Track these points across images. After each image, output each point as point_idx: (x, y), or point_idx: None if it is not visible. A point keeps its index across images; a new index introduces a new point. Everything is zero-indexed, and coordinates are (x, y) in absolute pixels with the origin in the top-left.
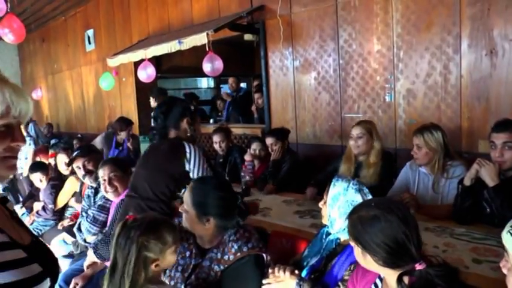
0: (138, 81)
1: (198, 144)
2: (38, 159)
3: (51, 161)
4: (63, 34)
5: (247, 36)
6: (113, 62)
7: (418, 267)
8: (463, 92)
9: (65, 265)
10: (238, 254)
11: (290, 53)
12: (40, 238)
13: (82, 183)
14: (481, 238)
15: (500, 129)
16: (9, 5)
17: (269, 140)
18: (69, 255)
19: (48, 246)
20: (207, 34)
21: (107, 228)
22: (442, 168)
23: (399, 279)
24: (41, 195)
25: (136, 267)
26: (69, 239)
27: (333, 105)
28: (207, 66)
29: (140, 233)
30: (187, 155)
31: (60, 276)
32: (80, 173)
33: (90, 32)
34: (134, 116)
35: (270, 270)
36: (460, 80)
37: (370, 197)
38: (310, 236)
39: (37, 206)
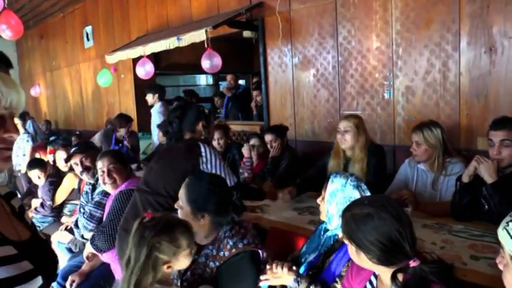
0: (136, 78)
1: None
2: (37, 155)
3: (50, 157)
4: (61, 31)
5: (246, 33)
6: (111, 58)
7: (412, 264)
8: (462, 90)
9: (63, 261)
10: (234, 250)
11: (289, 50)
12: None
13: (80, 180)
14: (479, 235)
15: (498, 127)
16: (6, 1)
17: (268, 137)
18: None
19: (49, 242)
20: (206, 31)
21: (102, 222)
22: (441, 166)
23: (393, 277)
24: (39, 192)
25: (145, 267)
26: (66, 238)
27: (331, 102)
28: (205, 63)
29: (154, 234)
30: (203, 155)
31: (58, 272)
32: (78, 169)
33: (88, 29)
34: (133, 113)
35: (267, 267)
36: (459, 78)
37: (368, 193)
38: (308, 233)
39: (35, 202)
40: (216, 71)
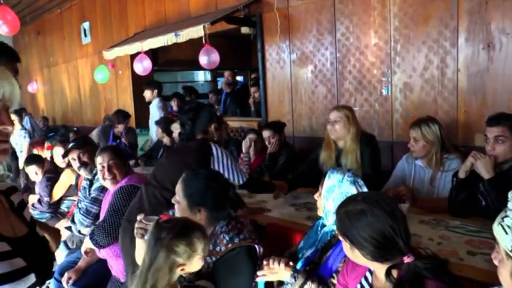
0: (134, 74)
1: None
2: (35, 151)
3: (48, 153)
4: (58, 27)
5: (244, 30)
6: (109, 54)
7: (407, 260)
8: (460, 86)
9: (60, 257)
10: (230, 245)
11: (287, 46)
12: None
13: (78, 176)
14: (475, 231)
15: (493, 123)
16: None
17: (266, 133)
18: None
19: (46, 239)
20: (204, 27)
21: (102, 218)
22: (439, 162)
23: (388, 273)
24: (37, 188)
25: (162, 270)
26: (63, 235)
27: (329, 98)
28: (203, 59)
29: (172, 237)
30: (214, 154)
31: (56, 268)
32: (75, 164)
33: (86, 25)
34: (130, 109)
35: (264, 262)
36: (457, 74)
37: (365, 189)
38: (306, 229)
39: (32, 198)
40: (213, 67)
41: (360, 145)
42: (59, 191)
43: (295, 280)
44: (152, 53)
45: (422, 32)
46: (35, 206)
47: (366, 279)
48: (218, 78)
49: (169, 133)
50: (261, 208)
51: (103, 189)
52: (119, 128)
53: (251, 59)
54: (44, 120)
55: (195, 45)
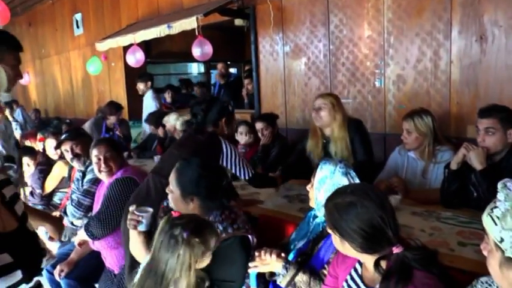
0: (127, 66)
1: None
2: (27, 143)
3: (40, 145)
4: (50, 18)
5: (238, 21)
6: (101, 46)
7: (395, 250)
8: (453, 78)
9: (53, 250)
10: (223, 235)
11: (280, 38)
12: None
13: (71, 168)
14: (466, 222)
15: (484, 115)
16: None
17: (259, 125)
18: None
19: (37, 234)
20: (197, 18)
21: (97, 209)
22: (431, 154)
23: (376, 264)
24: (29, 180)
25: (183, 269)
26: None
27: (322, 90)
28: (196, 51)
29: (189, 233)
30: (224, 151)
31: (46, 261)
32: (68, 156)
33: (78, 16)
34: (123, 101)
35: (256, 253)
36: (450, 66)
37: (357, 180)
38: (298, 220)
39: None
40: (206, 59)
41: (348, 132)
42: (51, 183)
43: (287, 271)
44: (145, 45)
45: (415, 24)
46: (28, 199)
47: (356, 270)
48: (211, 70)
49: (162, 126)
50: (253, 199)
51: (95, 182)
52: (111, 119)
53: (245, 51)
54: (36, 112)
55: (188, 37)
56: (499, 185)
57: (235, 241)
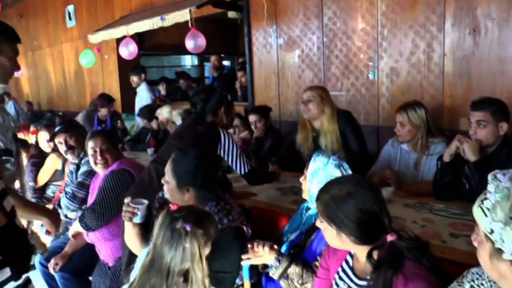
0: (120, 59)
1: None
2: (20, 135)
3: (33, 138)
4: (42, 10)
5: (231, 14)
6: (94, 38)
7: (390, 238)
8: (446, 71)
9: (46, 243)
10: (218, 226)
11: (274, 31)
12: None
13: (65, 160)
14: (458, 214)
15: (476, 107)
16: None
17: (252, 118)
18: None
19: (26, 230)
20: (190, 10)
21: (92, 201)
22: (424, 146)
23: (369, 254)
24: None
25: (195, 261)
26: None
27: (316, 82)
28: (189, 43)
29: (192, 225)
30: (222, 141)
31: (40, 254)
32: (62, 148)
33: (70, 8)
34: (117, 94)
35: (249, 246)
36: (443, 59)
37: (350, 172)
38: (291, 212)
39: (17, 183)
40: (200, 51)
41: (339, 124)
42: (44, 176)
43: (280, 263)
44: (138, 37)
45: (409, 16)
46: (20, 192)
47: (347, 262)
48: (205, 63)
49: (156, 118)
50: (246, 192)
51: (90, 174)
52: (102, 111)
53: (238, 44)
54: (28, 105)
55: (181, 29)
56: (489, 177)
57: (230, 232)
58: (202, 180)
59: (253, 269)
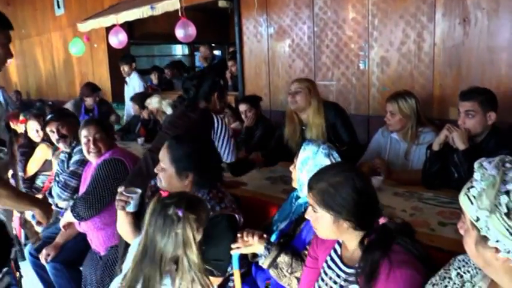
0: (110, 48)
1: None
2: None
3: (22, 127)
4: None
5: (222, 3)
6: (83, 27)
7: (382, 221)
8: (436, 60)
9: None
10: (211, 213)
11: (264, 20)
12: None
13: (56, 149)
14: (447, 202)
15: (464, 97)
16: None
17: (243, 107)
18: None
19: (5, 223)
20: None
21: (84, 190)
22: (414, 135)
23: (362, 241)
24: None
25: (188, 246)
26: None
27: (306, 72)
28: (179, 32)
29: (184, 210)
30: (215, 127)
31: (31, 245)
32: (54, 137)
33: None
34: (107, 83)
35: (238, 235)
36: (434, 48)
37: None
38: (281, 202)
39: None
40: (190, 41)
41: (327, 117)
42: (33, 166)
43: (269, 252)
44: (128, 26)
45: (400, 6)
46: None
47: (335, 251)
48: (196, 52)
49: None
50: (236, 181)
51: (82, 163)
52: (88, 101)
53: (229, 33)
54: (17, 94)
55: (171, 18)
56: (476, 165)
57: (223, 220)
58: (201, 163)
59: (243, 258)
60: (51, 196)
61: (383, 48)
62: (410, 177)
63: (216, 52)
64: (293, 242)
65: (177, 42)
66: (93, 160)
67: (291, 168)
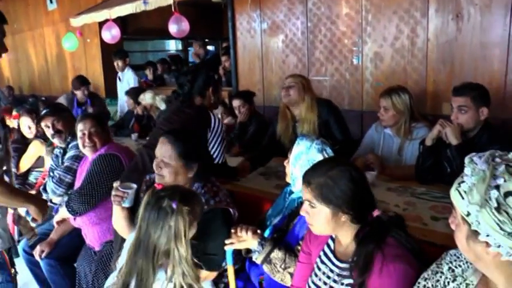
0: (103, 43)
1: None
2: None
3: (15, 122)
4: None
5: None
6: (76, 22)
7: (376, 213)
8: (429, 56)
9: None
10: (205, 207)
11: (258, 16)
12: None
13: (51, 144)
14: (440, 197)
15: (457, 93)
16: None
17: (236, 102)
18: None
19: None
20: None
21: (79, 185)
22: (407, 131)
23: (357, 235)
24: None
25: (179, 239)
26: None
27: (300, 67)
28: (172, 27)
29: (178, 202)
30: (212, 126)
31: (25, 241)
32: (49, 132)
33: None
34: (100, 78)
35: (232, 230)
36: (427, 44)
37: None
38: (275, 197)
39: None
40: (183, 36)
41: (320, 114)
42: (26, 162)
43: (263, 248)
44: (121, 21)
45: (393, 2)
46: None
47: (329, 246)
48: (189, 48)
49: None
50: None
51: (77, 158)
52: (78, 94)
53: (223, 29)
54: (9, 89)
55: (164, 13)
56: (466, 160)
57: (217, 214)
58: (204, 153)
59: (237, 254)
60: (46, 191)
61: (376, 43)
62: (403, 173)
63: (210, 47)
64: (286, 237)
65: (171, 37)
66: (89, 154)
67: (285, 162)
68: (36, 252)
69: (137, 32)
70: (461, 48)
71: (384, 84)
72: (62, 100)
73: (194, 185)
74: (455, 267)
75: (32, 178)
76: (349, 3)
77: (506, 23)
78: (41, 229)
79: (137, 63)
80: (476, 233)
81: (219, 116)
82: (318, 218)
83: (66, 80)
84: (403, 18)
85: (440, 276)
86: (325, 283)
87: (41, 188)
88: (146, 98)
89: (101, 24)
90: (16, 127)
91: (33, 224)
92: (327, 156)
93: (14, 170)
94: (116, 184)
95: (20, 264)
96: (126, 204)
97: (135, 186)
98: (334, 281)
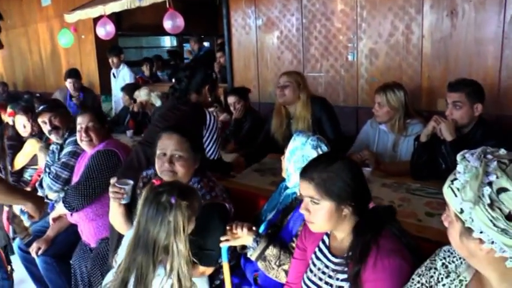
0: (98, 39)
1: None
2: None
3: (10, 119)
4: None
5: None
6: (70, 18)
7: (371, 205)
8: (424, 52)
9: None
10: (202, 201)
11: (253, 12)
12: None
13: (47, 139)
14: (434, 193)
15: (452, 89)
16: None
17: (231, 99)
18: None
19: None
20: None
21: (76, 180)
22: (402, 127)
23: (355, 226)
24: None
25: (178, 234)
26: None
27: (295, 64)
28: (167, 24)
29: (177, 197)
30: (207, 123)
31: (20, 239)
32: (46, 128)
33: None
34: (95, 74)
35: (227, 227)
36: (422, 40)
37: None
38: (270, 194)
39: None
40: (178, 32)
41: (314, 111)
42: (21, 160)
43: (258, 245)
44: (116, 17)
45: None
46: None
47: (324, 242)
48: (184, 44)
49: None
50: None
51: (74, 154)
52: (68, 86)
53: (218, 25)
54: (3, 86)
55: (159, 9)
56: (458, 157)
57: (214, 209)
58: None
59: (232, 251)
60: (42, 188)
61: (371, 40)
62: (398, 169)
63: (206, 44)
64: (281, 233)
65: (166, 33)
66: (87, 149)
67: (282, 157)
68: (32, 250)
69: (132, 28)
70: (455, 45)
71: (379, 80)
72: (57, 94)
73: (191, 180)
74: (449, 263)
75: (26, 175)
76: (344, 0)
77: (500, 20)
78: (36, 226)
79: (132, 59)
80: (469, 230)
81: (214, 113)
82: (320, 214)
83: (60, 76)
84: (398, 15)
85: (434, 272)
86: (320, 279)
87: (37, 184)
88: (141, 94)
89: (96, 20)
90: (11, 124)
91: (28, 222)
92: (321, 153)
93: (8, 167)
94: (112, 180)
95: (15, 261)
96: (123, 201)
97: (131, 182)
98: (330, 277)
